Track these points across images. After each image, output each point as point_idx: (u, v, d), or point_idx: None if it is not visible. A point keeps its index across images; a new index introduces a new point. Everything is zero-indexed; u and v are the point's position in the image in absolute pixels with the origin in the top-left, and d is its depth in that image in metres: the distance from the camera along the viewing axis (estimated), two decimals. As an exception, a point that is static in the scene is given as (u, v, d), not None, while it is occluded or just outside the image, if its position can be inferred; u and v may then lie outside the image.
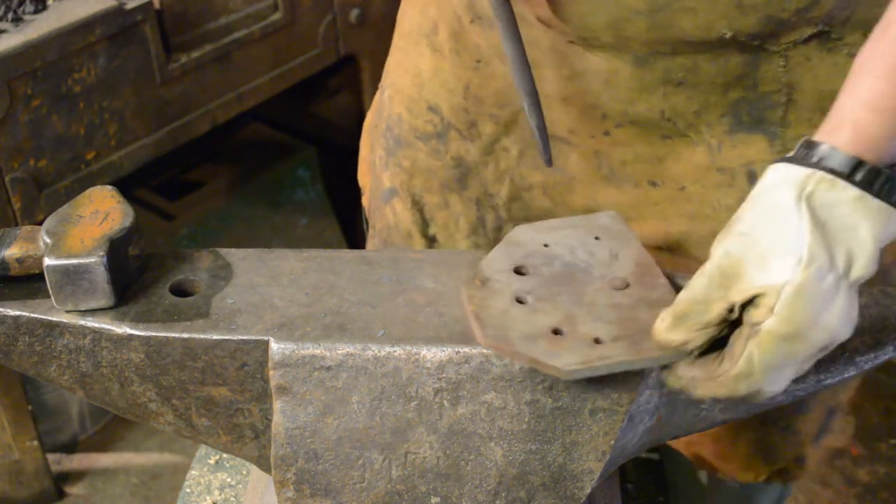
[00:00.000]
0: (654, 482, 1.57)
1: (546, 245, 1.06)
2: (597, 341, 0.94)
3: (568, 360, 0.91)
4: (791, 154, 0.91)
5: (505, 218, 1.32)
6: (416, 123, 1.35)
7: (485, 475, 0.99)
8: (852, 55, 1.07)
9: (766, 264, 0.87)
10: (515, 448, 0.98)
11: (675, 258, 1.22)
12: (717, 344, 0.92)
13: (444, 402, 0.97)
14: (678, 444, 1.41)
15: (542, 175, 1.26)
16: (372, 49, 2.75)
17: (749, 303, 0.88)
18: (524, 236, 1.07)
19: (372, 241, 1.51)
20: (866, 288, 1.07)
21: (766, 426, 1.35)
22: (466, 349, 0.96)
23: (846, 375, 1.04)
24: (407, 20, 1.38)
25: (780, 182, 0.90)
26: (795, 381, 1.02)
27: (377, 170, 1.46)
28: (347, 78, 2.93)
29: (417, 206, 1.38)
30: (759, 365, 0.87)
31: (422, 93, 1.34)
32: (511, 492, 0.99)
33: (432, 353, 0.96)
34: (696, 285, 0.91)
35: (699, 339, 0.91)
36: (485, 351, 0.96)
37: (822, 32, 1.07)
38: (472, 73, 1.27)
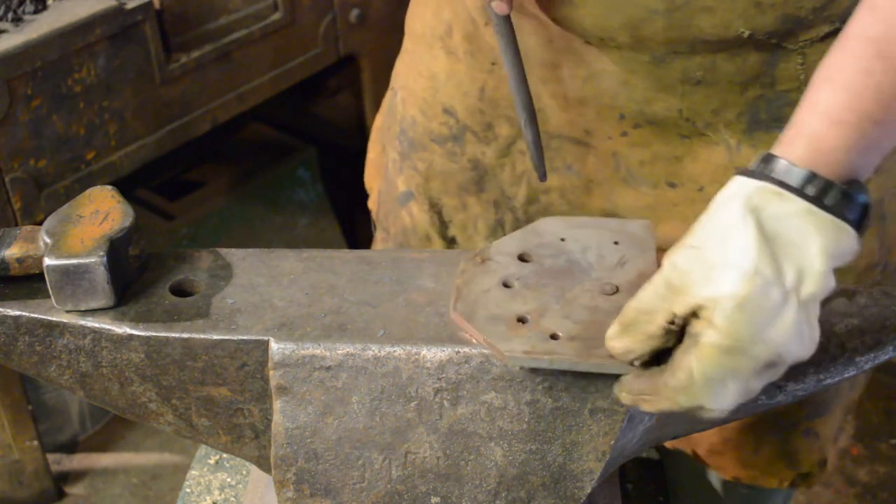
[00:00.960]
0: (654, 482, 1.57)
1: (563, 239, 1.06)
2: (553, 336, 0.94)
3: (515, 346, 0.92)
4: (749, 167, 0.90)
5: (523, 220, 1.32)
6: (430, 126, 1.35)
7: (485, 475, 0.99)
8: None
9: (711, 277, 0.85)
10: (515, 448, 0.98)
11: None
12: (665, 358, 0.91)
13: (444, 402, 0.97)
14: (698, 453, 1.40)
15: (559, 178, 1.26)
16: (372, 49, 2.74)
17: (693, 316, 0.87)
18: (547, 227, 1.08)
19: (384, 245, 1.51)
20: (867, 288, 1.07)
21: (787, 431, 1.34)
22: (466, 349, 0.96)
23: (846, 375, 1.04)
24: (419, 22, 1.38)
25: (733, 196, 0.88)
26: (794, 381, 1.03)
27: (390, 173, 1.45)
28: (347, 78, 2.93)
29: (435, 208, 1.38)
30: (698, 377, 0.86)
31: (436, 95, 1.34)
32: (511, 492, 1.00)
33: (432, 353, 0.96)
34: (643, 295, 0.90)
35: (641, 348, 0.90)
36: (485, 351, 0.96)
37: (839, 30, 1.07)
38: (487, 75, 1.27)
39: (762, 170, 0.88)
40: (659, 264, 1.02)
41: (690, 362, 0.86)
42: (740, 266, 0.84)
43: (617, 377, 0.94)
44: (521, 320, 0.96)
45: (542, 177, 1.15)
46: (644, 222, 1.10)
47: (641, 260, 1.05)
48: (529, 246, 1.05)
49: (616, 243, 1.06)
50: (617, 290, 1.00)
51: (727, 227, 0.87)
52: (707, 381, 0.86)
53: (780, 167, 0.88)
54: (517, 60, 1.12)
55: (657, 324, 0.88)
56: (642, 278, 1.01)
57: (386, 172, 1.47)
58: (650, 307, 0.89)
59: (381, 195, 1.51)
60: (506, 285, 1.00)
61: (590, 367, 0.93)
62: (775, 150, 0.89)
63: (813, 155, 0.87)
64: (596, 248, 1.06)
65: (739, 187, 0.89)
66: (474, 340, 0.96)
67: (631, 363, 0.92)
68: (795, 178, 0.87)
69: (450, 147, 1.33)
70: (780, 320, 0.84)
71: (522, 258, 1.04)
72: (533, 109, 1.13)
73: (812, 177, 0.86)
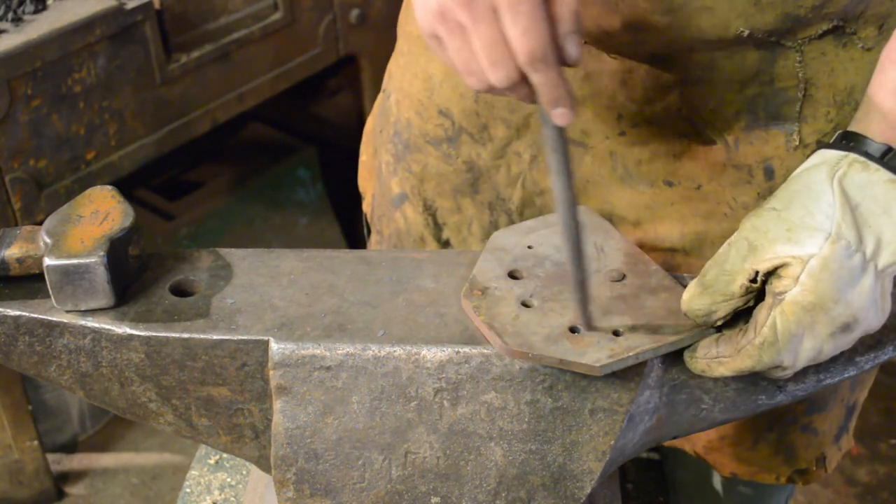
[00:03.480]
0: (654, 482, 1.57)
1: (530, 247, 1.08)
2: (616, 334, 0.96)
3: (596, 356, 0.93)
4: (830, 142, 0.95)
5: (518, 222, 1.31)
6: (426, 128, 1.35)
7: (485, 475, 0.99)
8: (867, 49, 1.09)
9: (794, 238, 0.90)
10: (515, 448, 0.98)
11: (691, 259, 1.22)
12: (735, 323, 0.96)
13: (444, 402, 0.97)
14: (696, 450, 1.40)
15: None
16: (372, 49, 2.75)
17: (772, 275, 0.91)
18: (506, 241, 1.09)
19: (377, 247, 1.51)
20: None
21: (785, 426, 1.35)
22: (466, 349, 0.96)
23: (846, 375, 1.04)
24: (414, 24, 1.37)
25: (817, 164, 0.93)
26: (795, 382, 1.03)
27: (384, 176, 1.45)
28: (347, 78, 2.94)
29: (429, 210, 1.38)
30: (782, 333, 0.90)
31: (432, 97, 1.33)
32: (511, 492, 1.00)
33: (432, 353, 0.96)
34: (723, 255, 0.94)
35: (724, 309, 0.94)
36: (485, 351, 0.96)
37: (837, 27, 1.08)
38: None
39: (843, 144, 0.93)
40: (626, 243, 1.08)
41: (774, 318, 0.90)
42: (825, 229, 0.89)
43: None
44: (573, 330, 0.97)
45: (588, 326, 0.98)
46: (583, 208, 1.14)
47: (613, 241, 1.08)
48: (508, 263, 1.05)
49: None
50: (623, 276, 1.03)
51: (811, 191, 0.91)
52: (790, 337, 0.90)
53: (860, 141, 0.93)
54: (571, 188, 0.95)
55: (738, 282, 0.93)
56: (631, 257, 1.06)
57: (379, 175, 1.47)
58: (731, 266, 0.93)
59: (374, 198, 1.51)
60: (526, 305, 1.00)
61: (671, 347, 0.96)
62: (851, 128, 0.94)
63: (887, 130, 0.92)
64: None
65: (824, 157, 0.93)
66: (551, 365, 0.95)
67: (713, 325, 0.96)
68: (875, 151, 0.92)
69: (445, 149, 1.33)
70: (859, 285, 0.89)
71: (513, 276, 1.04)
72: (582, 249, 0.98)
73: (889, 150, 0.91)
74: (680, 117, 1.15)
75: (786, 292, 0.89)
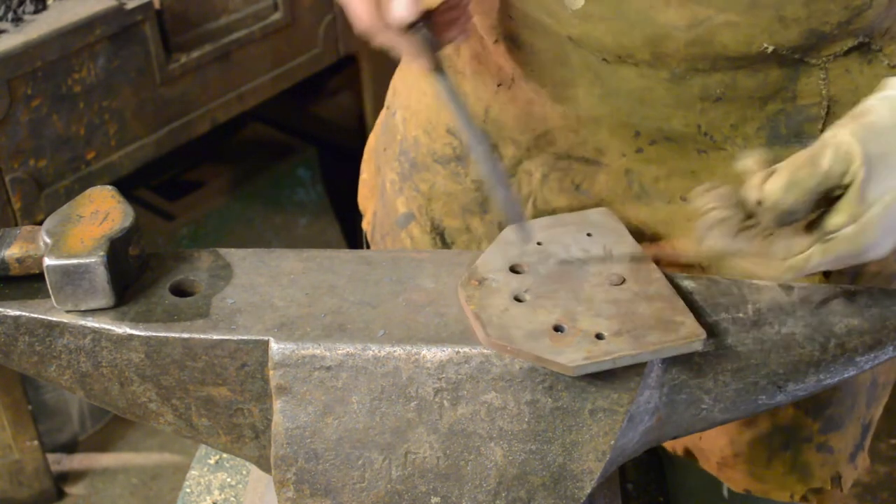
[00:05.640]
0: (654, 482, 1.57)
1: (539, 243, 1.07)
2: (598, 336, 0.95)
3: (572, 356, 0.93)
4: None
5: None
6: (434, 147, 1.33)
7: (485, 475, 0.99)
8: (892, 66, 1.07)
9: None
10: (515, 448, 0.98)
11: (709, 273, 1.21)
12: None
13: (444, 402, 0.97)
14: (709, 466, 1.39)
15: (568, 198, 1.25)
16: (372, 49, 2.74)
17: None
18: (518, 236, 1.08)
19: None
20: (866, 286, 1.07)
21: (800, 444, 1.33)
22: (466, 349, 0.96)
23: (846, 375, 1.04)
24: None
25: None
26: (795, 382, 1.03)
27: (388, 195, 1.43)
28: (347, 78, 2.94)
29: (437, 230, 1.36)
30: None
31: (440, 115, 1.32)
32: (511, 492, 1.00)
33: (432, 353, 0.96)
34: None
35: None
36: (485, 351, 0.96)
37: (863, 44, 1.06)
38: (492, 96, 1.26)
39: None
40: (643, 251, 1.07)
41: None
42: None
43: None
44: (558, 329, 0.96)
45: (519, 217, 1.09)
46: (602, 210, 1.13)
47: (624, 245, 1.07)
48: (513, 257, 1.05)
49: (589, 235, 1.09)
50: (624, 280, 1.02)
51: None
52: None
53: None
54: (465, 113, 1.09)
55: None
56: (637, 262, 1.05)
57: (383, 194, 1.46)
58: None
59: (376, 216, 1.49)
60: (518, 300, 1.00)
61: (651, 356, 0.95)
62: None
63: None
64: (575, 244, 1.07)
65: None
66: (524, 361, 0.95)
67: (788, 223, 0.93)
68: None
69: (454, 168, 1.32)
70: None
71: (514, 270, 1.04)
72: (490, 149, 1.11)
73: None
74: (699, 134, 1.14)
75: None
